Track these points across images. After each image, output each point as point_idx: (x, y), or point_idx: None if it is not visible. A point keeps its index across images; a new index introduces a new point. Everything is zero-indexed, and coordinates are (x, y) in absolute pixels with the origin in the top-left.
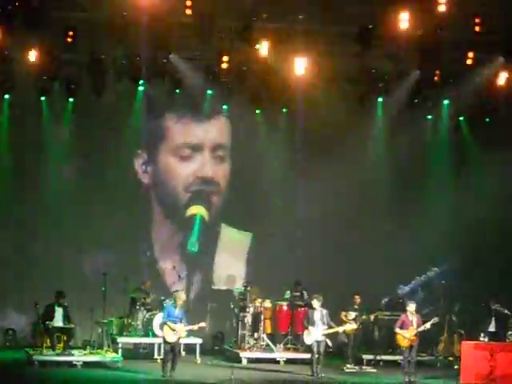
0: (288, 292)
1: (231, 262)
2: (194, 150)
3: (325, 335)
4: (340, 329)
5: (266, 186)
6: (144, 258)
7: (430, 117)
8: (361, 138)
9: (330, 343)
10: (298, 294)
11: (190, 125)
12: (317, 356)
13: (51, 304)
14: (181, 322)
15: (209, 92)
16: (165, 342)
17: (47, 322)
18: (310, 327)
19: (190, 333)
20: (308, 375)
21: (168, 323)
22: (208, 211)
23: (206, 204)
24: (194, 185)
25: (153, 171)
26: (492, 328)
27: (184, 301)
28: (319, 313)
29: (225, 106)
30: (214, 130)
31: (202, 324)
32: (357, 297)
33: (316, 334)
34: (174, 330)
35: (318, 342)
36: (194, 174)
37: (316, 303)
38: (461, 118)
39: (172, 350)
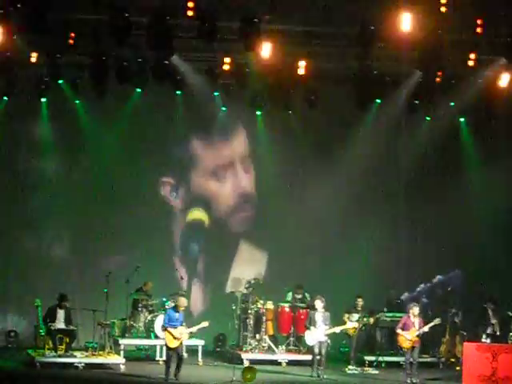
0: (290, 294)
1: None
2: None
3: (327, 336)
4: (337, 329)
5: (268, 189)
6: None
7: (429, 118)
8: (362, 138)
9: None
10: (299, 296)
11: (217, 145)
12: (318, 357)
13: (53, 306)
14: (181, 324)
15: (215, 94)
16: (167, 347)
17: (49, 324)
18: (311, 328)
19: (193, 334)
20: (311, 377)
21: (168, 329)
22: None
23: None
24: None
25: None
26: (489, 331)
27: (185, 306)
28: (321, 314)
29: (224, 108)
30: (238, 145)
31: (204, 324)
32: (359, 299)
33: (318, 334)
34: (175, 338)
35: (320, 343)
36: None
37: (319, 304)
38: (461, 119)
39: (176, 353)
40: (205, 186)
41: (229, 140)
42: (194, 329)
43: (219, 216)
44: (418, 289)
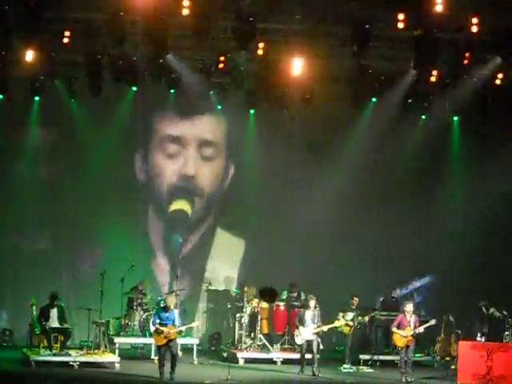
0: (285, 292)
1: (227, 264)
2: (180, 146)
3: (316, 334)
4: (325, 327)
5: (261, 188)
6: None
7: (424, 117)
8: (357, 138)
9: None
10: (295, 294)
11: (177, 121)
12: (311, 356)
13: (47, 305)
14: (173, 323)
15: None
16: (157, 346)
17: (44, 323)
18: (300, 327)
19: (185, 333)
20: (298, 374)
21: (156, 326)
22: (192, 209)
23: (190, 202)
24: (177, 183)
25: (147, 170)
26: (485, 329)
27: (174, 304)
28: (311, 313)
29: (219, 107)
30: (202, 127)
31: (194, 324)
32: (355, 298)
33: (306, 333)
34: (161, 333)
35: (309, 342)
36: (177, 172)
37: (312, 303)
38: (455, 118)
39: (169, 352)
40: (194, 182)
41: (223, 138)
42: (183, 328)
43: (208, 212)
44: (410, 286)
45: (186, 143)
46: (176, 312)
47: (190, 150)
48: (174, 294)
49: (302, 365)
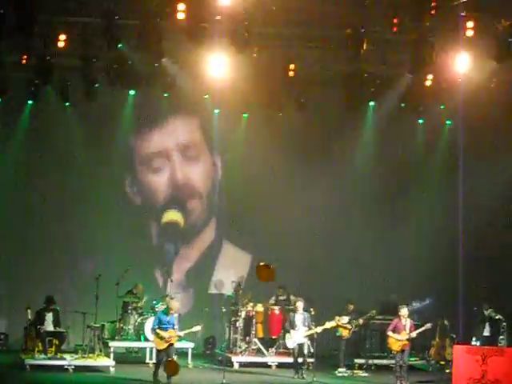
0: (273, 298)
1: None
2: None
3: (307, 337)
4: (318, 329)
5: (255, 190)
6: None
7: (421, 121)
8: (352, 142)
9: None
10: (283, 297)
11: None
12: (301, 360)
13: (42, 309)
14: (173, 328)
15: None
16: (156, 350)
17: (39, 327)
18: (291, 330)
19: (183, 337)
20: (293, 378)
21: (157, 330)
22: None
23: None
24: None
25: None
26: (487, 333)
27: (177, 308)
28: (301, 316)
29: (216, 110)
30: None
31: (197, 328)
32: (350, 305)
33: (297, 336)
34: (162, 338)
35: (300, 345)
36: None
37: (300, 306)
38: (448, 122)
39: (167, 356)
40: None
41: (218, 142)
42: (186, 332)
43: (200, 220)
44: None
45: (172, 150)
46: (175, 316)
47: (178, 157)
48: (177, 298)
49: (295, 369)
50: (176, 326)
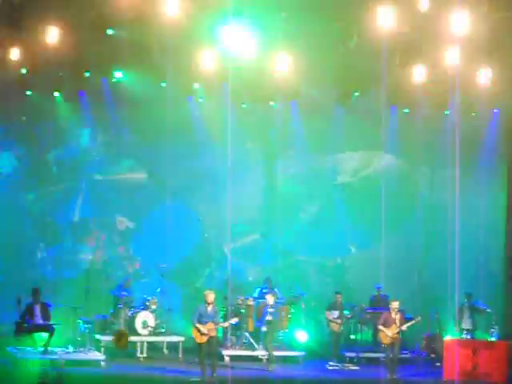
0: (258, 290)
1: None
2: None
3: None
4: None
5: (247, 182)
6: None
7: (406, 110)
8: (344, 136)
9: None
10: (269, 290)
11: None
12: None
13: (30, 302)
14: (212, 320)
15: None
16: (197, 344)
17: (28, 321)
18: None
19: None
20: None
21: (197, 325)
22: None
23: None
24: None
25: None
26: (467, 325)
27: (214, 298)
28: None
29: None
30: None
31: (234, 319)
32: (338, 296)
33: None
34: (202, 334)
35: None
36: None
37: (271, 299)
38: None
39: (208, 351)
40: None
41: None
42: (225, 324)
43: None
44: None
45: None
46: (216, 309)
47: None
48: (212, 290)
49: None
50: (215, 319)
